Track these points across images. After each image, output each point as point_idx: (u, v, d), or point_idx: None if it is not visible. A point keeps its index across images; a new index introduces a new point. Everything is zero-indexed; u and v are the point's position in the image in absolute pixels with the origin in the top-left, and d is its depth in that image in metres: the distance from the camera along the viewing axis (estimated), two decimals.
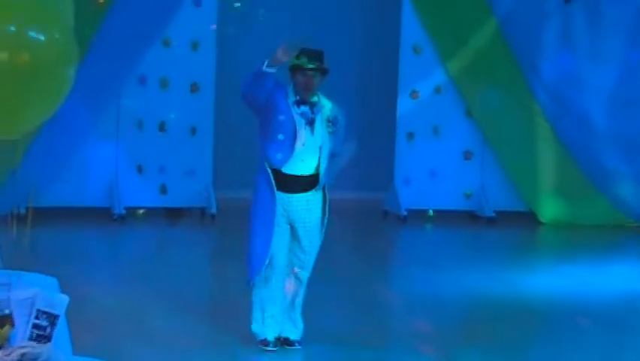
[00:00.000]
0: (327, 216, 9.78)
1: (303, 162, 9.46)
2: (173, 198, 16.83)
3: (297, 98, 9.44)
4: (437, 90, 17.26)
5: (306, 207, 9.61)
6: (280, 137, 9.38)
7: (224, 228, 16.16)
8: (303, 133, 9.43)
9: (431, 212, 17.35)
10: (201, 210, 16.91)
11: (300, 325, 10.00)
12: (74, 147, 15.72)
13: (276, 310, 9.82)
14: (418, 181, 17.22)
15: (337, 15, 17.92)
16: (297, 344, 9.93)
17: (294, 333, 9.97)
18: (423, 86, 17.25)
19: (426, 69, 17.22)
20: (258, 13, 17.12)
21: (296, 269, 9.77)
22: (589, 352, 10.54)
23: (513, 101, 16.93)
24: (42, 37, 5.44)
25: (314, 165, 9.48)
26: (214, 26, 16.80)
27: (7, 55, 5.36)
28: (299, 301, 9.95)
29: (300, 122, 9.42)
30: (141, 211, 16.76)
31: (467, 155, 17.35)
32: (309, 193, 9.55)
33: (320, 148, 9.46)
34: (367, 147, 18.36)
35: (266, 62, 9.21)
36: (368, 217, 17.41)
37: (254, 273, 9.66)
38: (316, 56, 9.49)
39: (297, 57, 9.38)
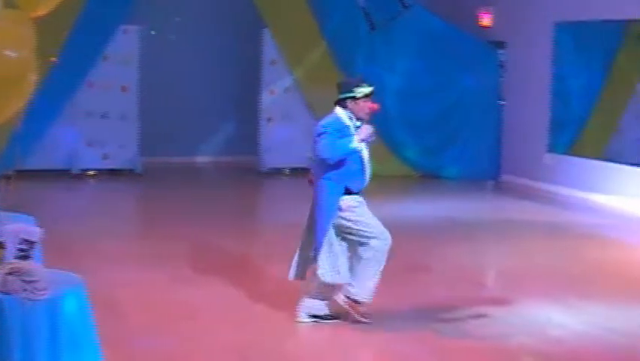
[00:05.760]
0: None
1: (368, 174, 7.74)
2: (111, 162, 16.74)
3: (361, 123, 7.61)
4: (287, 90, 17.40)
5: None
6: (353, 167, 7.63)
7: (147, 182, 16.24)
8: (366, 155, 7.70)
9: (287, 171, 17.37)
10: (130, 171, 16.80)
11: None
12: (46, 129, 15.53)
13: None
14: (275, 149, 17.36)
15: (217, 39, 17.99)
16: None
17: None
18: (278, 87, 17.41)
19: (279, 75, 17.34)
20: (167, 37, 17.05)
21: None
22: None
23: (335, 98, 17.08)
24: (14, 55, 5.45)
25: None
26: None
27: None
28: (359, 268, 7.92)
29: (363, 148, 7.66)
30: (91, 172, 16.60)
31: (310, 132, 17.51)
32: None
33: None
34: (242, 127, 18.65)
35: (355, 142, 7.48)
36: (243, 173, 17.47)
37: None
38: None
39: (359, 86, 7.60)
